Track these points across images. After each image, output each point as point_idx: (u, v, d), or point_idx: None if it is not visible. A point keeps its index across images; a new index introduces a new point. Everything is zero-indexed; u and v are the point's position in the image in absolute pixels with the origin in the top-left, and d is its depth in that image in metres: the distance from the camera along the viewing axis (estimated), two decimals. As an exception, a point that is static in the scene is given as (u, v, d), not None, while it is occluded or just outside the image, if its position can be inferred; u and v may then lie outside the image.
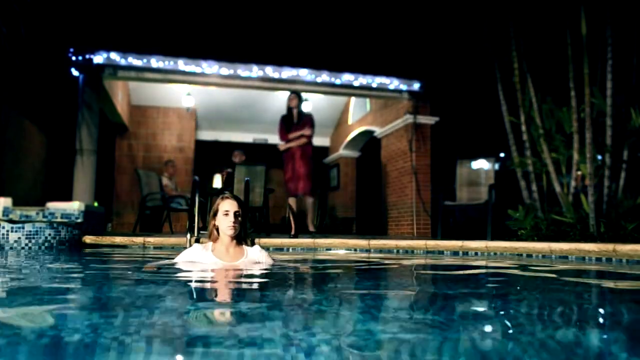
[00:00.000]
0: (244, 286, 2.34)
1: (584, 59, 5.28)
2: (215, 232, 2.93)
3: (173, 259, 3.03)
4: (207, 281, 2.51)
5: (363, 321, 1.42)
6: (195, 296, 1.99)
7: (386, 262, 3.96)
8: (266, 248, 3.43)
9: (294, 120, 7.03)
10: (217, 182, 7.69)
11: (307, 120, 7.03)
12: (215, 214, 2.93)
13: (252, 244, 3.07)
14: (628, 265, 3.47)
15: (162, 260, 3.17)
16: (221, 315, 1.53)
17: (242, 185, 5.98)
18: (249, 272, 2.71)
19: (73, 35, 7.40)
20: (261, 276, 2.63)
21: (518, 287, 2.49)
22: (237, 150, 8.67)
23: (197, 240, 4.75)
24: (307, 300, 1.86)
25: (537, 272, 3.08)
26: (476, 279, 2.85)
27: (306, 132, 6.97)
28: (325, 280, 2.66)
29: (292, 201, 6.95)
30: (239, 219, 2.88)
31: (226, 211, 2.86)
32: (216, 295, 2.00)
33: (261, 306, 1.66)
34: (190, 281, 2.47)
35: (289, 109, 7.14)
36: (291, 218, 6.62)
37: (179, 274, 2.66)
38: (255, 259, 2.94)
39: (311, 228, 6.81)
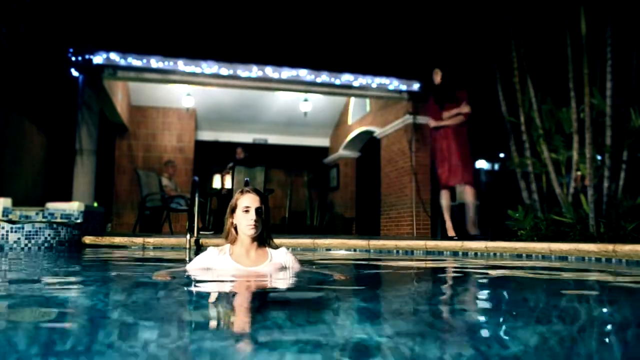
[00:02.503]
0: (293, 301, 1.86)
1: (583, 59, 5.28)
2: (233, 231, 2.52)
3: (184, 266, 2.69)
4: (232, 292, 2.09)
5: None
6: (219, 314, 1.61)
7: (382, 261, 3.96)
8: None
9: (444, 97, 5.95)
10: (217, 182, 7.68)
11: (463, 97, 5.91)
12: (233, 211, 2.52)
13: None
14: (627, 266, 3.47)
15: (173, 268, 2.82)
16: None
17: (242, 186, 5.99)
18: (282, 280, 2.38)
19: (73, 35, 7.39)
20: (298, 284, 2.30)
21: None
22: (239, 147, 8.73)
23: (197, 241, 4.75)
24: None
25: None
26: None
27: (464, 109, 5.80)
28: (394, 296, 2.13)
29: (444, 195, 5.82)
30: (262, 216, 2.49)
31: (246, 207, 2.45)
32: (251, 311, 1.63)
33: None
34: (212, 293, 2.09)
35: (434, 85, 6.09)
36: (446, 217, 5.67)
37: (194, 285, 2.32)
38: (281, 263, 2.55)
39: (473, 230, 5.56)
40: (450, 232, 5.63)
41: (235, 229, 2.51)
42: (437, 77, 6.00)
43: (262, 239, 2.56)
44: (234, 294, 2.02)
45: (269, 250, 2.57)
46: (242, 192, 2.53)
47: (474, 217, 5.55)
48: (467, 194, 5.65)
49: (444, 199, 5.78)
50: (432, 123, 5.91)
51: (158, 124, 10.91)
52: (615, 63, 5.19)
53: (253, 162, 7.76)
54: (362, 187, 11.87)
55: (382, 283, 2.71)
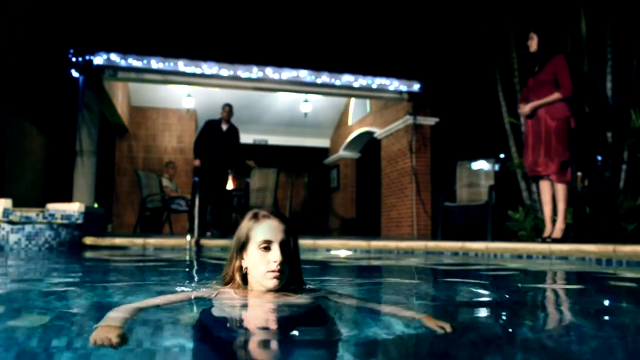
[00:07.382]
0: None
1: (583, 59, 5.28)
2: (237, 278, 1.52)
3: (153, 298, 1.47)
4: None
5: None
6: None
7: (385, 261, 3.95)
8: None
9: (536, 68, 4.66)
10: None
11: (554, 63, 4.50)
12: (242, 248, 1.51)
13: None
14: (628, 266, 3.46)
15: (136, 303, 1.37)
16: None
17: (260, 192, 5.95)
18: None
19: (73, 36, 7.40)
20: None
21: None
22: (226, 105, 7.36)
23: (197, 242, 4.74)
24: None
25: None
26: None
27: (564, 84, 4.39)
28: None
29: (544, 187, 4.58)
30: (291, 255, 1.49)
31: (266, 242, 1.46)
32: None
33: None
34: None
35: (529, 52, 4.79)
36: (544, 213, 4.62)
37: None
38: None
39: (558, 233, 4.44)
40: (545, 232, 4.58)
41: (245, 275, 1.52)
42: (533, 44, 4.66)
43: (287, 290, 1.51)
44: None
45: None
46: (256, 216, 1.51)
47: (563, 216, 4.45)
48: (558, 190, 4.46)
49: (544, 191, 4.59)
50: (524, 109, 4.58)
51: (158, 125, 10.91)
52: (615, 63, 5.19)
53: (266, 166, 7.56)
54: (363, 188, 11.87)
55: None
